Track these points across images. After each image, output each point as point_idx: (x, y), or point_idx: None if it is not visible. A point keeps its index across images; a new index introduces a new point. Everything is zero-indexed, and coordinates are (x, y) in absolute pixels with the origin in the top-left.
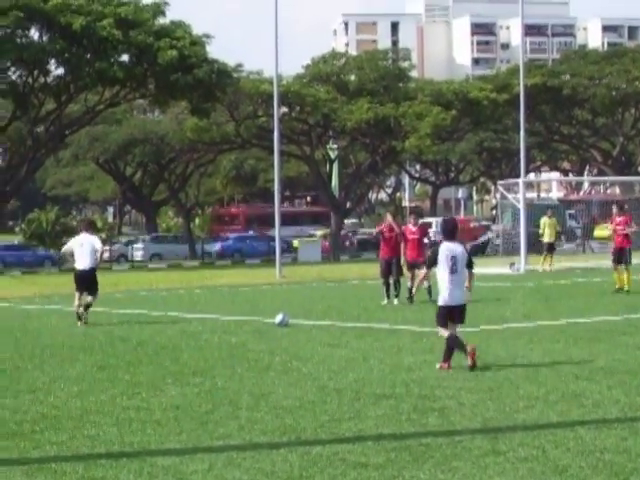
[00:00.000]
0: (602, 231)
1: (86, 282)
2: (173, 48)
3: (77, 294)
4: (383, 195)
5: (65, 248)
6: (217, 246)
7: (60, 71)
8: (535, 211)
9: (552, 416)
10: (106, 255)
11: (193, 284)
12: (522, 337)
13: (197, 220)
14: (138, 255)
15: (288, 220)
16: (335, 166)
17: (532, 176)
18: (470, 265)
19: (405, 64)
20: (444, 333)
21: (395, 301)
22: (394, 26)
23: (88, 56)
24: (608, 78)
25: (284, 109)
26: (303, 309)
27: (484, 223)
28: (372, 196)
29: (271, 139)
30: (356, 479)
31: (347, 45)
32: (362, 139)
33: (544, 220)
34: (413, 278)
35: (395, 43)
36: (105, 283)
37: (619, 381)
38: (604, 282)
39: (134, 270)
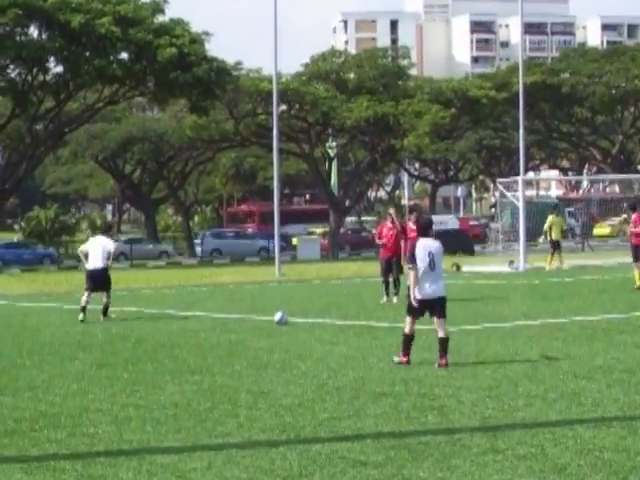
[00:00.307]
0: (601, 229)
1: (99, 281)
2: (172, 46)
3: (86, 292)
4: (382, 193)
5: (81, 248)
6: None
7: (59, 69)
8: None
9: (551, 414)
10: None
11: (191, 282)
12: (521, 335)
13: (196, 218)
14: (198, 251)
15: (299, 218)
16: (334, 164)
17: (531, 174)
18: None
19: (404, 62)
20: (408, 327)
21: (394, 299)
22: (393, 24)
23: (87, 54)
24: (607, 76)
25: (283, 107)
26: (302, 307)
27: (483, 221)
28: (371, 194)
29: (270, 137)
30: (355, 477)
31: (346, 43)
32: (361, 137)
33: (551, 219)
34: None
35: (394, 41)
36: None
37: (618, 380)
38: (603, 280)
39: (133, 268)
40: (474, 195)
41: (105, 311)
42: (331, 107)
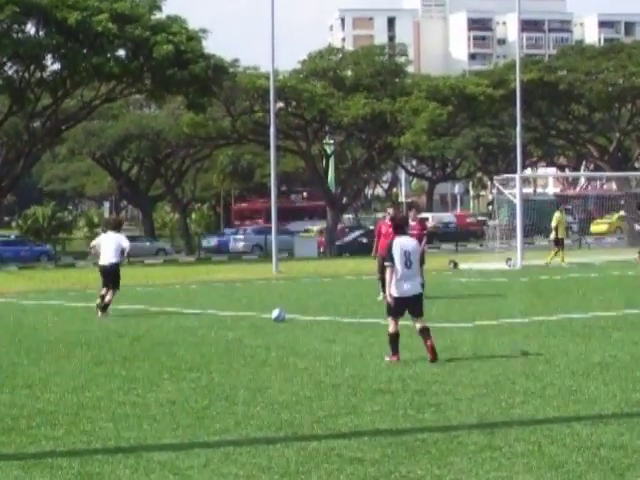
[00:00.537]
0: (598, 226)
1: (109, 277)
2: (169, 43)
3: (103, 289)
4: (379, 190)
5: (94, 242)
6: (214, 241)
7: (56, 66)
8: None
9: (548, 411)
10: None
11: (189, 279)
12: (518, 332)
13: (194, 215)
14: (239, 246)
15: (305, 214)
16: (331, 161)
17: (528, 171)
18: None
19: (401, 59)
20: (392, 326)
21: None
22: (391, 21)
23: (84, 51)
24: (605, 73)
25: (280, 104)
26: (299, 304)
27: (480, 218)
28: (368, 191)
29: (267, 134)
30: (352, 474)
31: (344, 40)
32: (358, 134)
33: (557, 216)
34: None
35: (392, 38)
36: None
37: (615, 377)
38: (600, 277)
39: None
40: (471, 192)
41: (105, 307)
42: (328, 104)
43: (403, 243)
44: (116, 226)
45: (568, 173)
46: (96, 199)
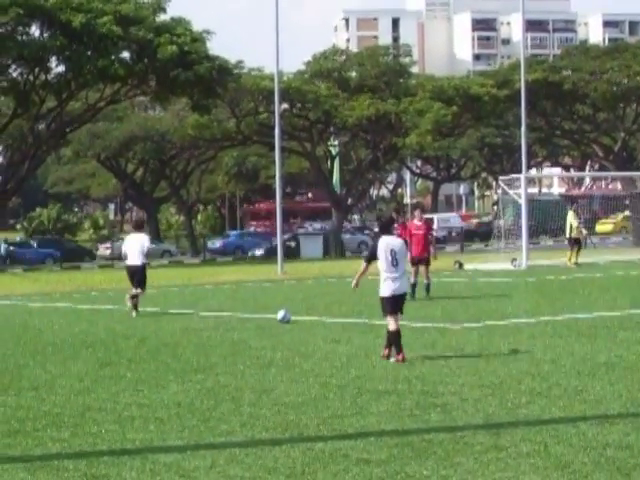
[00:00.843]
0: (604, 226)
1: (136, 276)
2: (173, 44)
3: (133, 290)
4: (384, 191)
5: (123, 248)
6: (218, 243)
7: (61, 68)
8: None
9: (554, 411)
10: (107, 252)
11: (194, 281)
12: (524, 332)
13: (199, 217)
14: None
15: (317, 215)
16: (336, 162)
17: (533, 172)
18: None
19: (406, 60)
20: (392, 324)
21: None
22: (395, 22)
23: (89, 53)
24: (609, 73)
25: (285, 105)
26: (305, 305)
27: (485, 219)
28: (373, 192)
29: (272, 135)
30: (358, 475)
31: (348, 41)
32: (363, 135)
33: (572, 215)
34: (416, 274)
35: (396, 39)
36: (104, 280)
37: (621, 377)
38: (605, 277)
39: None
40: (476, 193)
41: (134, 297)
42: (333, 105)
43: (389, 242)
44: (138, 226)
45: (573, 173)
46: (101, 201)
